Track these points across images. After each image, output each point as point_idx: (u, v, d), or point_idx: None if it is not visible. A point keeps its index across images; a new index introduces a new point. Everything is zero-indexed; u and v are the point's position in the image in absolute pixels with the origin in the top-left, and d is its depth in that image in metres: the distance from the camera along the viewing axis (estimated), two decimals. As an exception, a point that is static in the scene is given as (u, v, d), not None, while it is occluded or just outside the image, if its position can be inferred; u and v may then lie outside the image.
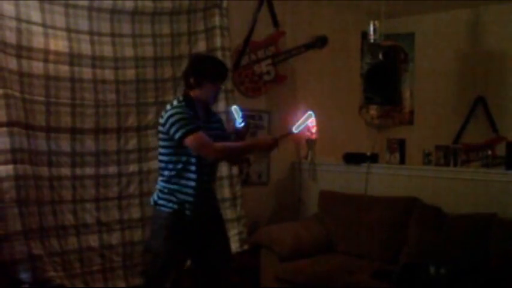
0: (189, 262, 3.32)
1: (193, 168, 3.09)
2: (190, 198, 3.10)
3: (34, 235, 3.58)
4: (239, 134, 3.38)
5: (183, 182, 3.09)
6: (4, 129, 3.47)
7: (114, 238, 4.01)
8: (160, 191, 3.14)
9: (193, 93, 3.13)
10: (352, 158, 5.01)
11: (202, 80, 3.10)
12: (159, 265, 3.12)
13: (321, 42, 5.44)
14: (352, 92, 5.68)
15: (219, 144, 3.05)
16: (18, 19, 3.59)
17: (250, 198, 4.77)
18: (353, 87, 5.62)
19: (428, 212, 4.28)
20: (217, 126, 3.26)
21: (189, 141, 2.97)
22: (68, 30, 3.82)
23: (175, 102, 3.11)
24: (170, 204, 3.09)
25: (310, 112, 3.40)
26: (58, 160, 3.80)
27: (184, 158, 3.08)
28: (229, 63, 4.53)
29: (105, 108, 4.00)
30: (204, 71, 3.12)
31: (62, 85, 3.81)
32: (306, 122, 3.37)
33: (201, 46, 4.42)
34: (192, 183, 3.09)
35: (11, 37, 3.56)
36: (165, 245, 3.09)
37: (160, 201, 3.12)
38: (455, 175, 4.45)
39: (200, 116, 3.13)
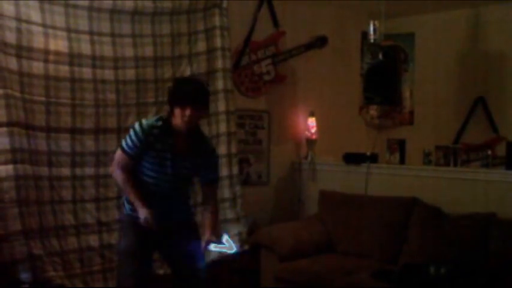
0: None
1: (150, 176, 3.05)
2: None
3: (34, 235, 3.58)
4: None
5: (143, 189, 3.05)
6: (4, 129, 3.47)
7: (114, 238, 4.01)
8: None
9: (173, 119, 3.05)
10: (352, 158, 5.01)
11: (172, 105, 3.03)
12: (121, 266, 3.15)
13: (321, 42, 5.44)
14: (352, 92, 5.69)
15: (120, 172, 3.05)
16: (18, 19, 3.59)
17: (250, 198, 4.77)
18: (353, 87, 5.62)
19: (428, 212, 4.28)
20: (197, 159, 3.12)
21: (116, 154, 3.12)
22: (68, 30, 3.82)
23: (150, 120, 3.07)
24: (130, 206, 3.10)
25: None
26: (58, 160, 3.80)
27: (143, 166, 3.05)
28: (229, 63, 4.54)
29: (105, 108, 4.00)
30: (172, 95, 3.06)
31: (62, 85, 3.81)
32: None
33: (201, 46, 4.42)
34: (147, 191, 3.06)
35: (11, 37, 3.56)
36: (123, 245, 3.13)
37: (125, 203, 3.15)
38: (455, 175, 4.46)
39: (172, 142, 3.03)
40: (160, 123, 3.03)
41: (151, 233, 3.05)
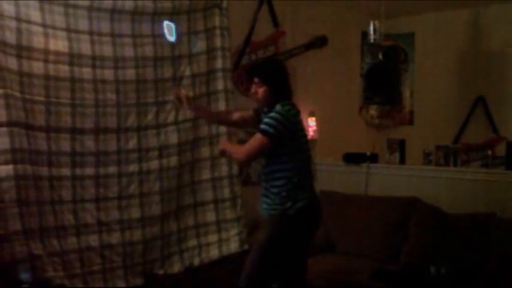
0: None
1: None
2: None
3: (34, 235, 3.58)
4: None
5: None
6: (4, 129, 3.46)
7: (114, 238, 4.01)
8: None
9: None
10: (352, 158, 5.01)
11: None
12: None
13: (321, 42, 5.44)
14: (352, 92, 5.69)
15: None
16: (18, 19, 3.58)
17: (250, 198, 4.76)
18: (353, 87, 5.62)
19: (428, 212, 4.28)
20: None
21: None
22: (68, 30, 3.81)
23: None
24: None
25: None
26: (58, 160, 3.80)
27: None
28: (229, 63, 4.54)
29: (105, 108, 3.99)
30: None
31: (62, 85, 3.80)
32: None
33: (201, 46, 4.42)
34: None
35: (11, 37, 3.55)
36: None
37: None
38: (455, 175, 4.46)
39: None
40: None
41: None
